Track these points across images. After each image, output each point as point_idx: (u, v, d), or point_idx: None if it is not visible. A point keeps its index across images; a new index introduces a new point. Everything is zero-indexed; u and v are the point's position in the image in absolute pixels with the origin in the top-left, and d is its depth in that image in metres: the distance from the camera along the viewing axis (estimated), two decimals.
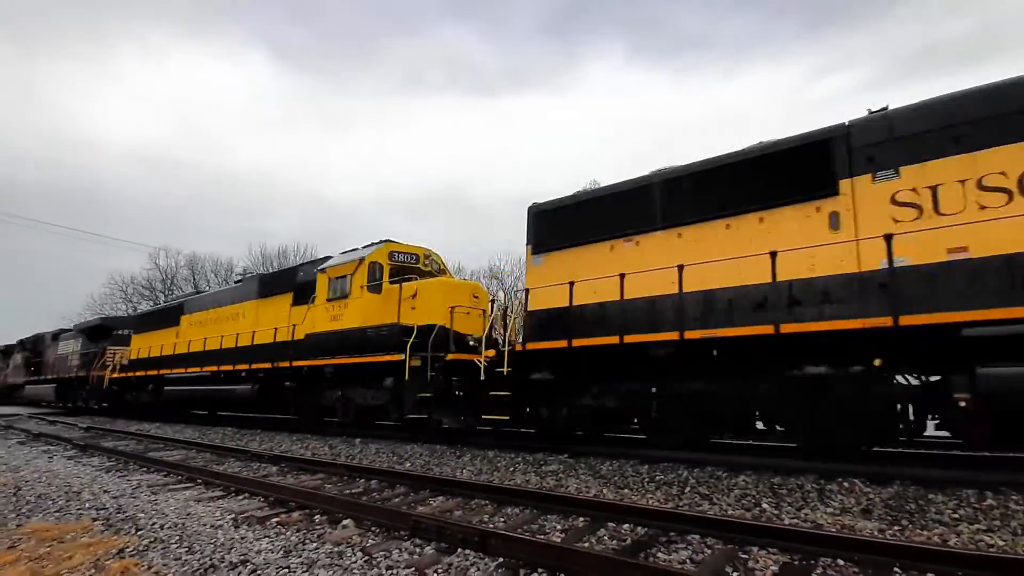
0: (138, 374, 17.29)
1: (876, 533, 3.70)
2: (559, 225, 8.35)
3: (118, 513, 4.78)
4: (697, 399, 6.46)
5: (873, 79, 60.39)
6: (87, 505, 5.15)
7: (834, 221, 5.95)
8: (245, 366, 12.94)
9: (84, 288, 68.16)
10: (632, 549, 3.47)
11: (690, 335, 6.39)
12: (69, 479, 6.56)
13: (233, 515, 4.57)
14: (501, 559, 3.30)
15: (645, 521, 3.96)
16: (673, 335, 6.50)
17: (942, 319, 4.90)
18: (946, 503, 4.31)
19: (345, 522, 4.25)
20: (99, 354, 19.29)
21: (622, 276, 7.20)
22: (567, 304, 7.63)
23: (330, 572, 3.16)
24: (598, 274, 7.48)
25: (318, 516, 4.52)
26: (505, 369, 7.95)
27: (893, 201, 5.64)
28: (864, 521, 3.99)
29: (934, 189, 5.41)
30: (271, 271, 17.61)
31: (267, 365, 12.22)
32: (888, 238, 5.31)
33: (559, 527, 4.07)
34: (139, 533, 4.12)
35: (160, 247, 52.24)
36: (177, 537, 3.95)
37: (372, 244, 11.23)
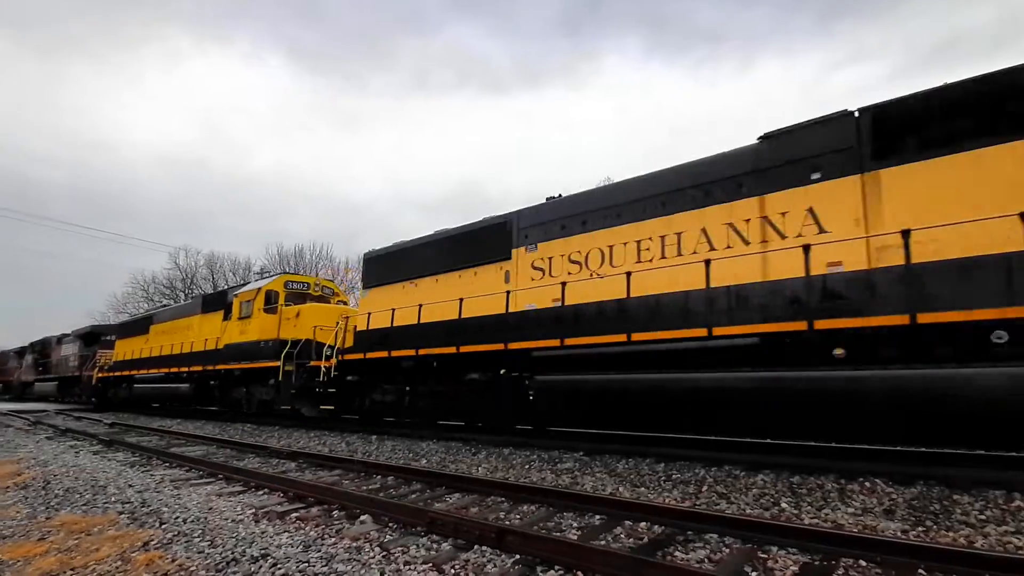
0: (116, 374, 20.89)
1: (899, 534, 3.63)
2: (375, 269, 11.40)
3: (142, 507, 4.89)
4: (430, 394, 9.64)
5: (890, 72, 59.05)
6: (113, 499, 5.28)
7: (507, 277, 8.74)
8: (186, 369, 16.36)
9: (107, 287, 69.81)
10: (649, 548, 3.45)
11: (423, 352, 9.45)
12: (95, 473, 6.73)
13: (253, 510, 4.65)
14: (518, 556, 3.31)
15: (662, 520, 3.94)
16: (411, 352, 9.59)
17: (525, 346, 7.98)
18: (972, 504, 4.21)
19: (363, 518, 4.30)
20: (91, 356, 22.86)
21: (393, 310, 10.17)
22: (365, 327, 10.84)
23: (349, 567, 3.20)
24: (393, 306, 10.30)
25: (336, 512, 4.58)
26: (332, 372, 11.16)
27: (532, 266, 8.49)
28: (887, 522, 3.92)
29: (549, 259, 8.27)
30: (213, 291, 21.86)
31: (199, 368, 15.70)
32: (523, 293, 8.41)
33: (575, 525, 4.06)
34: (163, 527, 4.21)
35: (180, 247, 53.29)
36: (200, 531, 4.03)
37: (272, 276, 15.78)
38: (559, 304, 7.76)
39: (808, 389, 5.29)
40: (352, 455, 7.83)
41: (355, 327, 11.25)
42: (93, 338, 23.85)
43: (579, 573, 3.03)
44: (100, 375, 21.61)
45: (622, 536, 3.77)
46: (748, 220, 6.29)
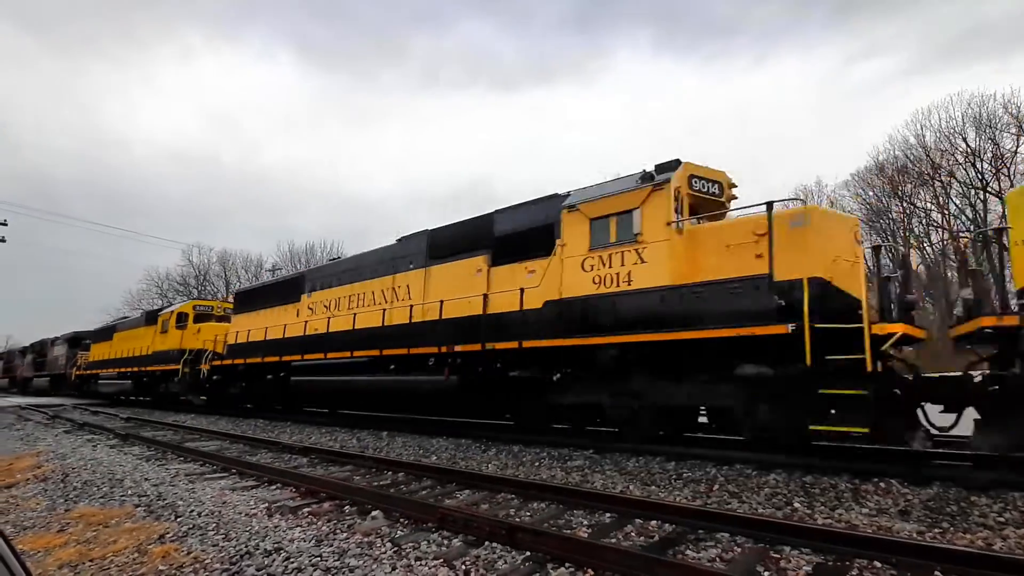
0: (89, 372, 25.81)
1: (915, 535, 3.58)
2: (240, 300, 16.73)
3: (158, 500, 4.97)
4: (271, 387, 13.74)
5: (909, 66, 57.85)
6: (129, 492, 5.38)
7: (299, 313, 13.31)
8: (128, 369, 20.81)
9: (124, 284, 71.01)
10: (660, 546, 3.44)
11: (249, 360, 14.22)
12: (112, 467, 6.85)
13: (267, 504, 4.71)
14: (528, 553, 3.31)
15: (673, 518, 3.92)
16: (258, 359, 13.77)
17: (287, 359, 12.80)
18: (990, 506, 4.14)
19: (374, 513, 4.33)
20: (73, 357, 27.56)
21: (249, 330, 14.73)
22: (233, 341, 15.56)
23: (360, 562, 3.23)
24: (248, 327, 14.93)
25: (348, 507, 4.62)
26: (208, 373, 15.85)
27: (307, 307, 13.14)
28: (902, 523, 3.87)
29: (318, 303, 12.85)
30: (157, 308, 24.81)
31: (137, 369, 20.29)
32: (306, 323, 12.89)
33: (585, 523, 4.06)
34: (178, 520, 4.27)
35: (193, 244, 54.06)
36: (214, 524, 4.08)
37: (183, 301, 22.50)
38: (316, 332, 12.32)
39: (383, 385, 10.13)
40: (363, 451, 7.89)
41: (225, 341, 15.97)
42: (76, 342, 28.43)
43: (589, 571, 3.03)
44: (78, 372, 26.55)
45: (632, 534, 3.76)
46: (386, 289, 10.99)
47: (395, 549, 3.45)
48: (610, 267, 7.29)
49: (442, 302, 9.32)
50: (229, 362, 15.11)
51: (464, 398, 8.90)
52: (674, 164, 7.37)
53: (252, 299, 15.89)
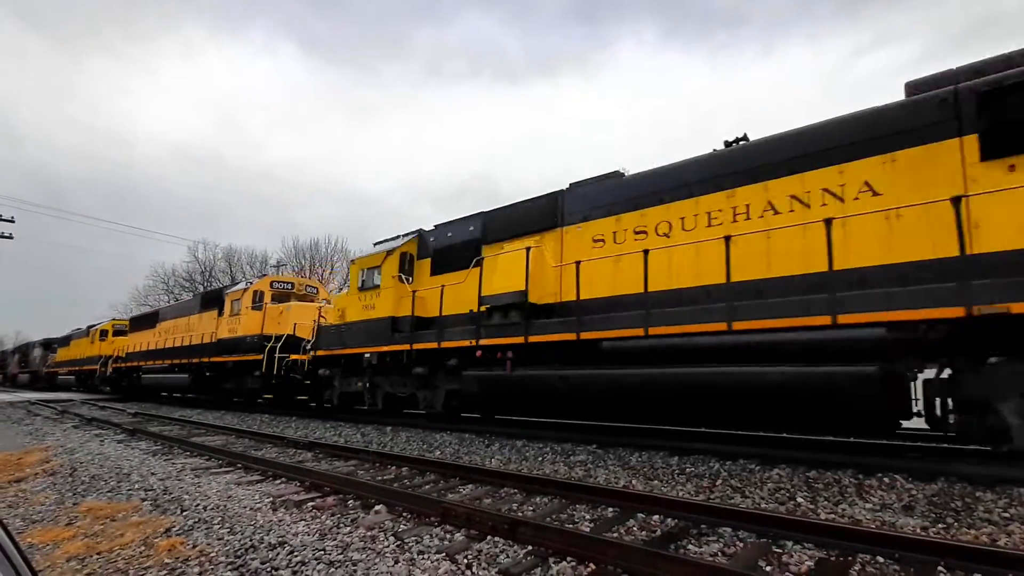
0: (55, 370, 31.68)
1: (919, 531, 3.57)
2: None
3: (165, 494, 5.02)
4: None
5: (919, 56, 57.16)
6: (136, 486, 5.43)
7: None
8: (75, 368, 27.96)
9: (130, 280, 71.57)
10: (662, 541, 3.44)
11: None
12: (119, 462, 6.92)
13: (271, 498, 4.75)
14: (530, 547, 3.32)
15: (675, 513, 3.93)
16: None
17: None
18: (995, 501, 4.11)
19: (377, 507, 4.36)
20: (45, 358, 34.38)
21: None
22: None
23: (364, 555, 3.25)
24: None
25: (351, 501, 4.65)
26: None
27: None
28: (906, 518, 3.86)
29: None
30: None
31: (84, 368, 26.39)
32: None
33: (588, 517, 4.07)
34: (184, 514, 4.31)
35: (199, 240, 54.33)
36: (219, 518, 4.12)
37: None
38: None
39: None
40: (367, 446, 7.93)
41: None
42: (48, 345, 35.01)
43: (591, 565, 3.04)
44: (47, 371, 33.74)
45: (635, 529, 3.77)
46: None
47: (398, 543, 3.47)
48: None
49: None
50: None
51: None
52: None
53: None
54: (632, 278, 6.90)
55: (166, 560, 3.27)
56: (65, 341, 31.19)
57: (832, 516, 3.96)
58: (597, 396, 7.03)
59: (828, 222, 5.41)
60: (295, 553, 3.30)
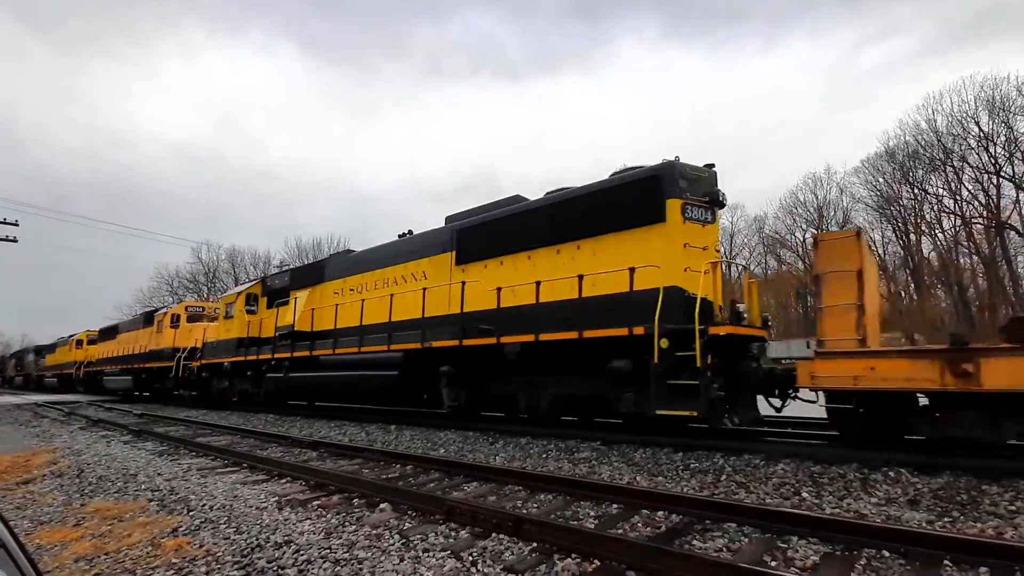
0: (44, 373, 34.96)
1: (925, 525, 3.56)
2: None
3: (171, 495, 5.04)
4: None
5: (924, 47, 56.57)
6: (143, 487, 5.46)
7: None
8: (57, 372, 31.60)
9: (134, 282, 71.87)
10: (666, 536, 3.44)
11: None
12: (126, 462, 6.96)
13: (277, 498, 4.77)
14: (535, 544, 3.33)
15: (680, 509, 3.92)
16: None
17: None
18: (1001, 495, 4.10)
19: (382, 506, 4.37)
20: (37, 362, 38.14)
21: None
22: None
23: (369, 554, 3.26)
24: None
25: (356, 500, 4.66)
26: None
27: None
28: (912, 512, 3.85)
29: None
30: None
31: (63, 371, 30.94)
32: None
33: (592, 514, 4.07)
34: (191, 514, 4.34)
35: (202, 242, 54.53)
36: (226, 518, 4.14)
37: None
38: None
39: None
40: (371, 444, 7.96)
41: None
42: (39, 351, 38.91)
43: (596, 562, 3.04)
44: (37, 373, 37.57)
45: (639, 525, 3.77)
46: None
47: (403, 541, 3.49)
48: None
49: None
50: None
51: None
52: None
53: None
54: (342, 317, 11.53)
55: (173, 560, 3.29)
56: (52, 348, 35.89)
57: (837, 511, 3.96)
58: (319, 387, 12.42)
59: (424, 291, 9.79)
60: (301, 552, 3.32)
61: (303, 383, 12.48)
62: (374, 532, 3.68)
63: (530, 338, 7.73)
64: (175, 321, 19.31)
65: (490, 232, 9.27)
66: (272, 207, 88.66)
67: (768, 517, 3.55)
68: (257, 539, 3.59)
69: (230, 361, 15.02)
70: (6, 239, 25.64)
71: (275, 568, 3.10)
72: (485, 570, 3.01)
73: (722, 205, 7.58)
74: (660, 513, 3.94)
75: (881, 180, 37.06)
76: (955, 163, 33.50)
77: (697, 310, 6.22)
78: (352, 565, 3.10)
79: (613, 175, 8.20)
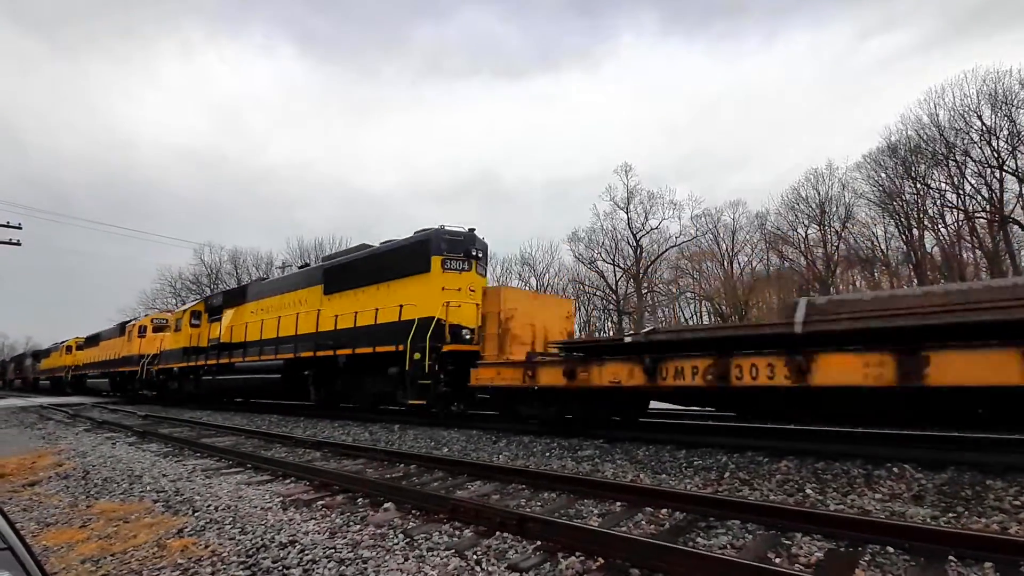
0: (80, 373, 32.72)
1: (929, 520, 3.56)
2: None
3: (176, 495, 5.06)
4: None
5: (927, 39, 56.17)
6: (148, 488, 5.48)
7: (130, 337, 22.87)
8: (50, 375, 35.56)
9: (137, 284, 72.07)
10: (670, 534, 3.45)
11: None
12: (131, 464, 6.99)
13: (281, 498, 4.78)
14: (539, 542, 3.33)
15: (683, 506, 3.93)
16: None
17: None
18: (1006, 489, 4.09)
19: (386, 505, 4.38)
20: (34, 366, 41.73)
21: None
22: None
23: (374, 553, 3.27)
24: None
25: (361, 499, 4.68)
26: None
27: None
28: (916, 508, 3.84)
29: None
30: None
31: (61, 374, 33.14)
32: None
33: (596, 512, 4.08)
34: (196, 514, 4.35)
35: (204, 243, 54.63)
36: (231, 518, 4.16)
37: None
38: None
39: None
40: (375, 444, 7.98)
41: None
42: (36, 356, 42.75)
43: (599, 559, 3.04)
44: (34, 376, 41.07)
45: (643, 523, 3.78)
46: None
47: (407, 540, 3.50)
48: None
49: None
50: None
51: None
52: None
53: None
54: (250, 332, 14.75)
55: (179, 560, 3.30)
56: (47, 353, 39.65)
57: (841, 507, 3.95)
58: (235, 388, 15.86)
59: (298, 315, 13.17)
60: (306, 551, 3.33)
61: (226, 384, 15.73)
62: (378, 531, 3.70)
63: (350, 351, 11.25)
64: (142, 332, 22.74)
65: (341, 272, 12.73)
66: (274, 208, 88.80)
67: (772, 514, 3.55)
68: (262, 539, 3.60)
69: (178, 366, 18.28)
70: (9, 242, 25.75)
71: (280, 568, 3.12)
72: (489, 569, 3.01)
73: (477, 258, 10.78)
74: (664, 511, 3.94)
75: (883, 175, 36.93)
76: (957, 157, 33.33)
77: (430, 332, 9.36)
78: (357, 564, 3.11)
79: (406, 237, 11.60)
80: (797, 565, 2.92)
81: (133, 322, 24.84)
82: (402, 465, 6.28)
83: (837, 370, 4.78)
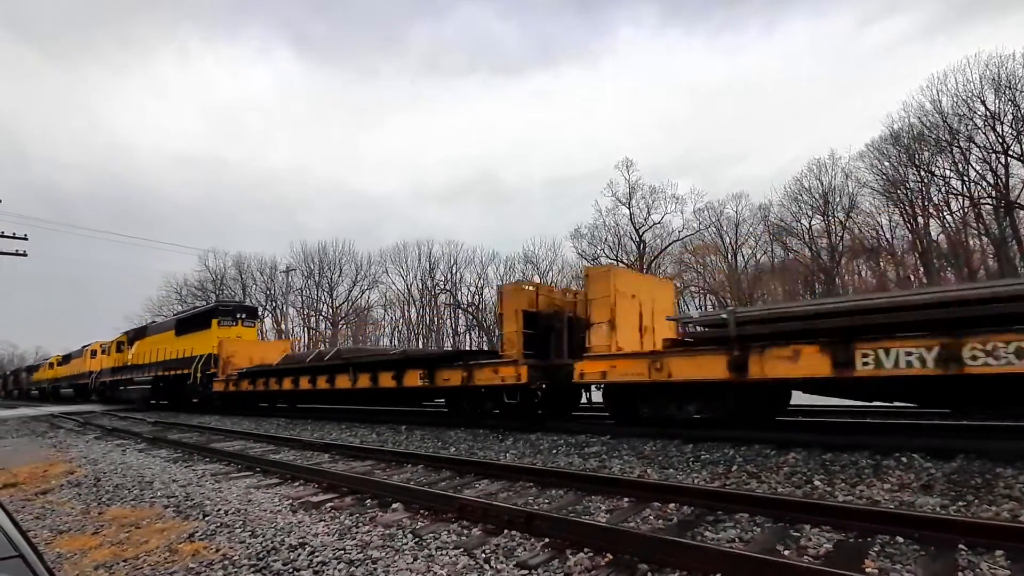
0: (31, 387, 44.05)
1: (938, 509, 3.54)
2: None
3: (186, 500, 5.10)
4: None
5: (929, 23, 55.59)
6: (159, 493, 5.53)
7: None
8: (41, 385, 42.97)
9: (142, 291, 72.57)
10: (678, 529, 3.45)
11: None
12: (141, 470, 7.04)
13: (290, 501, 4.81)
14: (547, 540, 3.34)
15: (691, 500, 3.93)
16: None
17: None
18: (1016, 477, 4.07)
19: (395, 506, 4.40)
20: (28, 378, 46.89)
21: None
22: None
23: (383, 553, 3.29)
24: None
25: (369, 500, 4.70)
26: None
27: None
28: (925, 497, 3.83)
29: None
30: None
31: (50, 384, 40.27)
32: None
33: (603, 508, 4.08)
34: (206, 519, 4.39)
35: (208, 249, 54.88)
36: (241, 522, 4.19)
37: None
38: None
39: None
40: (383, 445, 8.00)
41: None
42: (29, 370, 48.80)
43: (608, 555, 3.05)
44: (27, 387, 46.12)
45: (651, 518, 3.78)
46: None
47: (416, 540, 3.51)
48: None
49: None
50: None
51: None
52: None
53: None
54: (142, 357, 23.65)
55: (190, 564, 3.33)
56: (36, 368, 46.54)
57: (850, 498, 3.95)
58: (133, 393, 23.91)
59: (162, 348, 22.18)
60: (316, 553, 3.35)
61: (131, 392, 23.72)
62: (387, 532, 3.71)
63: (176, 371, 20.09)
64: (94, 354, 29.97)
65: (180, 324, 21.67)
66: (276, 212, 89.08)
67: (780, 506, 3.55)
68: (272, 542, 3.63)
69: (110, 380, 26.61)
70: (16, 253, 25.94)
71: (291, 570, 3.14)
72: (498, 567, 3.02)
73: (242, 318, 20.15)
74: (671, 505, 3.94)
75: (887, 164, 36.69)
76: (962, 143, 33.08)
77: (201, 361, 18.49)
78: (366, 565, 3.12)
79: (201, 307, 24.43)
80: (806, 557, 2.92)
81: (89, 346, 31.88)
82: (410, 465, 6.30)
83: None
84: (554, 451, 6.68)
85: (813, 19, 68.78)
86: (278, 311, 55.15)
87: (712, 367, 6.00)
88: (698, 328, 7.84)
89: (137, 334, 25.40)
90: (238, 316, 19.75)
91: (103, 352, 29.33)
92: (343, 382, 11.59)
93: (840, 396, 6.21)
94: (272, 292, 54.68)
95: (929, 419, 6.34)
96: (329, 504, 4.64)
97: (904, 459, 4.75)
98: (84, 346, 32.84)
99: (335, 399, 13.48)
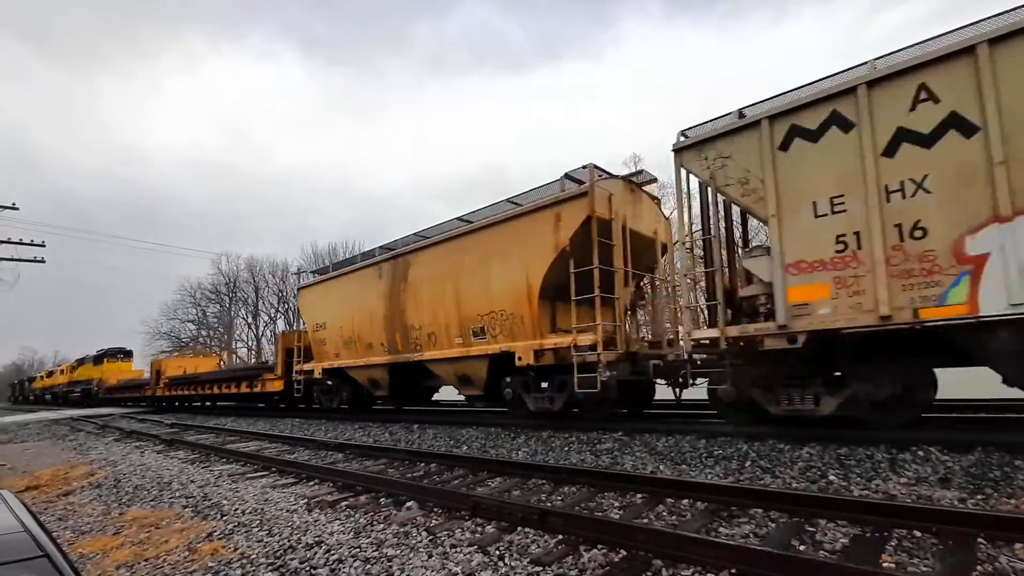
0: (33, 394, 49.73)
1: (956, 503, 3.50)
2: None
3: (204, 501, 5.18)
4: None
5: (937, 9, 54.56)
6: (177, 494, 5.62)
7: None
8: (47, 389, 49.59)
9: (158, 296, 73.74)
10: (692, 524, 3.44)
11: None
12: (160, 471, 7.16)
13: (306, 500, 4.87)
14: (560, 536, 3.35)
15: (704, 496, 3.91)
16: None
17: None
18: None
19: (409, 504, 4.44)
20: (29, 384, 53.15)
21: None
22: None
23: (398, 551, 3.32)
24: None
25: (383, 499, 4.74)
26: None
27: None
28: (942, 491, 3.78)
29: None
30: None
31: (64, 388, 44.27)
32: None
33: (617, 504, 4.09)
34: (224, 518, 4.45)
35: (221, 253, 55.66)
36: (258, 521, 4.25)
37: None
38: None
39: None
40: (396, 444, 8.06)
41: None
42: (31, 380, 54.27)
43: (622, 551, 3.05)
44: (29, 394, 51.81)
45: (664, 514, 3.77)
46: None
47: (431, 538, 3.54)
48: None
49: None
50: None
51: None
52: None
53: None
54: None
55: (209, 563, 3.39)
56: (34, 378, 52.23)
57: (866, 492, 3.91)
58: (104, 399, 32.59)
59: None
60: (332, 552, 3.39)
61: (103, 398, 30.19)
62: (402, 530, 3.75)
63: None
64: (72, 369, 38.15)
65: (95, 358, 35.87)
66: (286, 215, 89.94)
67: (795, 501, 3.52)
68: (289, 540, 3.68)
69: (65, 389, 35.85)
70: (34, 260, 26.43)
71: (307, 568, 3.18)
72: (512, 563, 3.04)
73: (128, 355, 36.77)
74: (685, 501, 3.94)
75: None
76: None
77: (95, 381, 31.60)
78: (382, 563, 3.16)
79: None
80: (822, 552, 2.90)
81: (71, 361, 41.18)
82: (423, 464, 6.34)
83: None
84: (566, 448, 6.68)
85: (822, 5, 67.66)
86: (291, 312, 55.64)
87: None
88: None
89: (79, 363, 38.18)
90: (118, 356, 35.86)
91: (71, 371, 40.74)
92: (214, 389, 19.13)
93: None
94: (284, 294, 55.17)
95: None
96: (344, 503, 4.69)
97: (921, 453, 4.68)
98: (81, 358, 40.68)
99: (217, 400, 21.07)
